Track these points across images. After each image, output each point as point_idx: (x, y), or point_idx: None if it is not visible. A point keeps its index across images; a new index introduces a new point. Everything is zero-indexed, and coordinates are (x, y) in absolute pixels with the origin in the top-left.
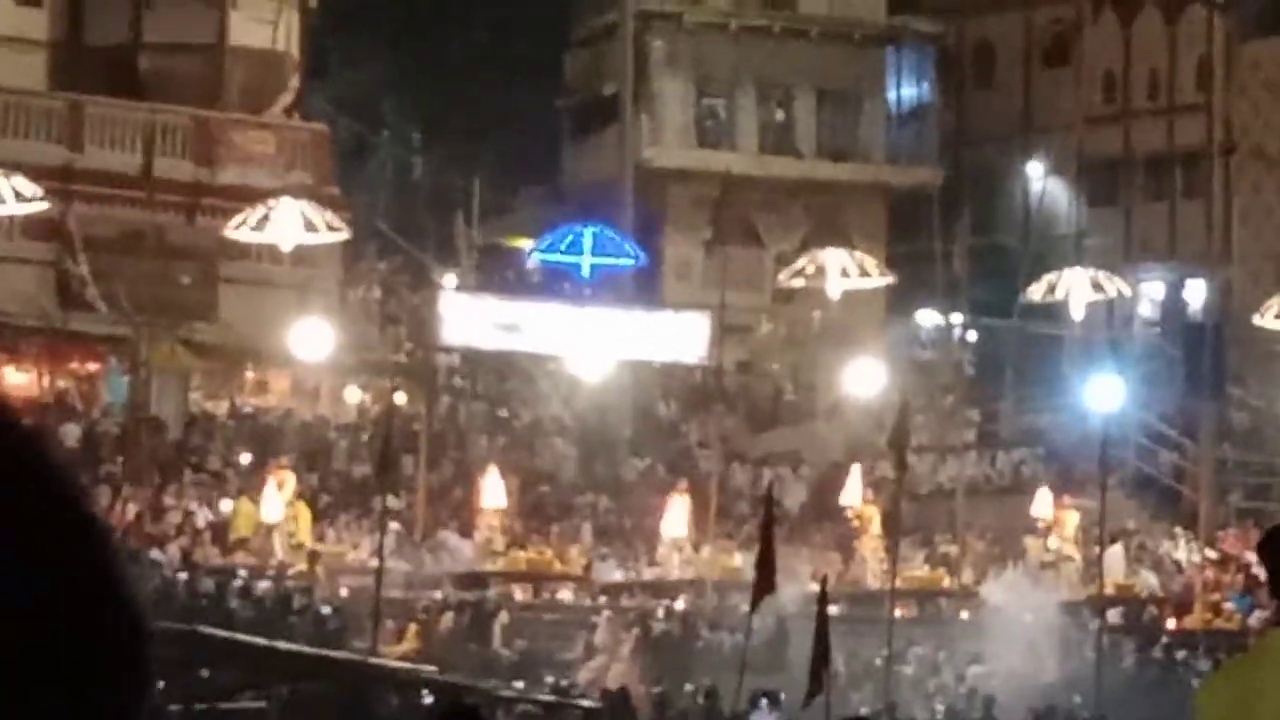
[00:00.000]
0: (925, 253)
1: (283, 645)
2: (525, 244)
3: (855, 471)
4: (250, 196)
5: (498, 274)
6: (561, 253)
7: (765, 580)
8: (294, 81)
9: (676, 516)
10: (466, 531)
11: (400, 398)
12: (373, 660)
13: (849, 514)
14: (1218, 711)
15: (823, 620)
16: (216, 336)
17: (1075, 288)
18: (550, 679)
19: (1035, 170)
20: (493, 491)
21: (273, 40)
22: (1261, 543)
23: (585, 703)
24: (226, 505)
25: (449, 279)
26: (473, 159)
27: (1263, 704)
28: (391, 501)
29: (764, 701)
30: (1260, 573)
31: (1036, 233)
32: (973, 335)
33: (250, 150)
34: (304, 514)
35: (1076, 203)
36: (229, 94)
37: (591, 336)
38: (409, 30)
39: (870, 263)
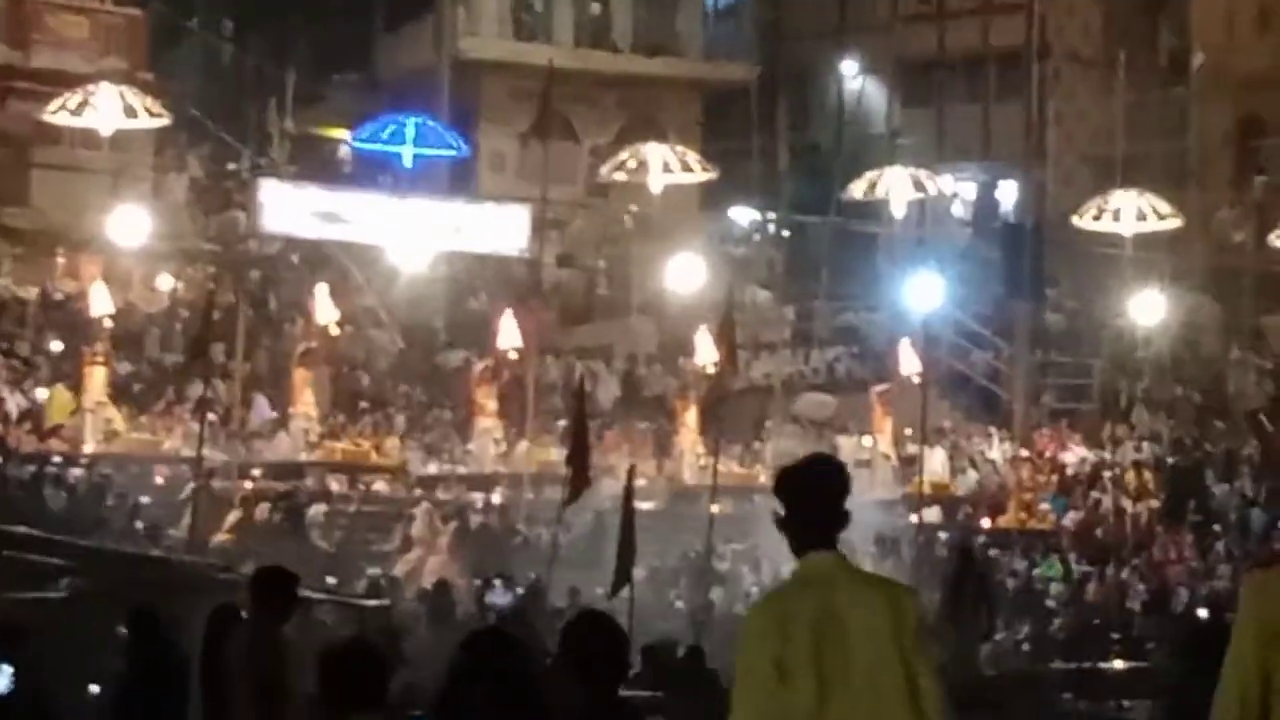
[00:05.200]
0: (739, 150)
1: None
2: (338, 134)
3: (702, 331)
4: (64, 81)
5: (309, 163)
6: (383, 142)
7: (579, 475)
8: None
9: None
10: (283, 422)
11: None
12: (176, 558)
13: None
14: (763, 633)
15: (628, 514)
16: (28, 221)
17: (896, 186)
18: (373, 572)
19: (850, 69)
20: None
21: None
22: (777, 481)
23: (370, 601)
24: (39, 392)
25: (257, 166)
26: (285, 47)
27: (797, 626)
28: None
29: (498, 582)
30: (1074, 472)
31: (850, 132)
32: (785, 233)
33: (64, 34)
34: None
35: (891, 102)
36: None
37: (413, 227)
38: None
39: (692, 158)
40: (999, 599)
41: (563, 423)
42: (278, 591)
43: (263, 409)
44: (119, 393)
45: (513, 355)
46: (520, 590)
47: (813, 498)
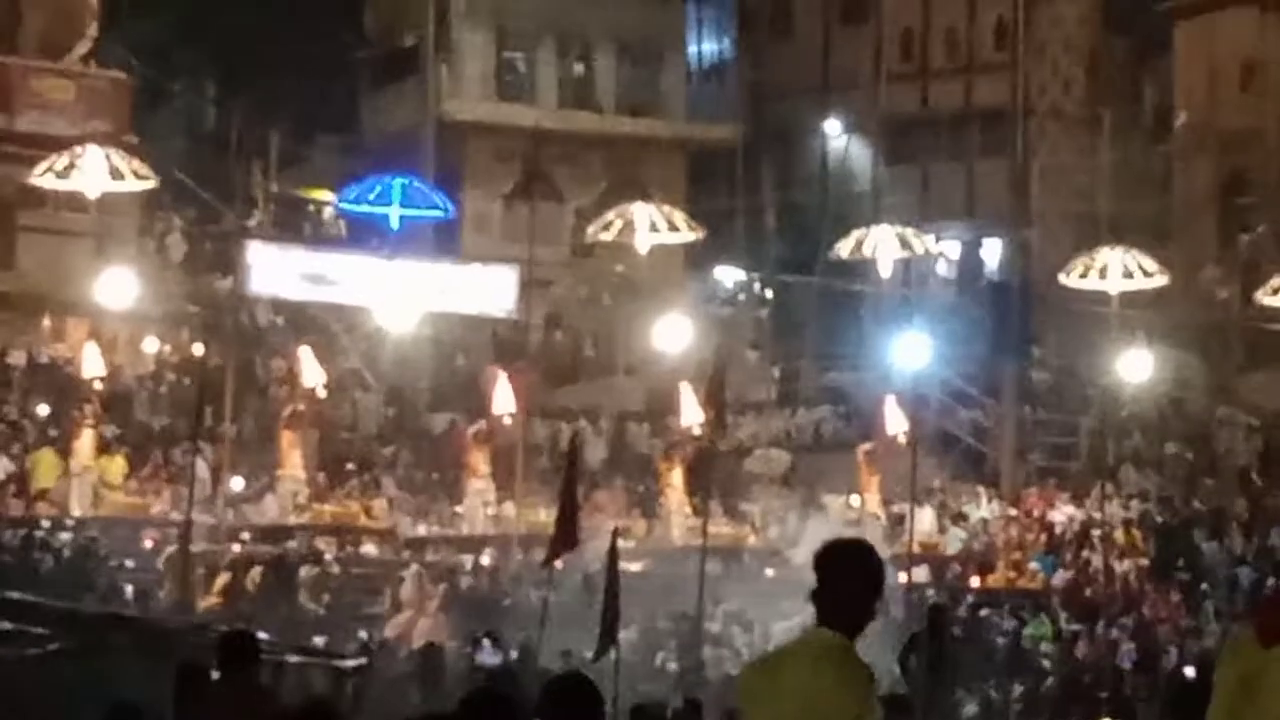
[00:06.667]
0: (724, 209)
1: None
2: (322, 195)
3: (687, 391)
4: (49, 144)
5: (294, 225)
6: (369, 203)
7: (568, 535)
8: (92, 29)
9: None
10: (270, 485)
11: (198, 349)
12: (153, 620)
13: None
14: (759, 696)
15: (613, 576)
16: (14, 285)
17: (883, 245)
18: (364, 634)
19: (833, 128)
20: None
21: None
22: (822, 557)
23: (348, 663)
24: (25, 455)
25: (243, 229)
26: (269, 109)
27: (751, 704)
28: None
29: (486, 641)
30: (1062, 531)
31: (834, 190)
32: (769, 292)
33: (49, 97)
34: (116, 464)
35: (875, 161)
36: (27, 40)
37: (400, 288)
38: None
39: (679, 217)
40: (980, 661)
41: (552, 482)
42: (247, 653)
43: (201, 473)
44: (108, 454)
45: (507, 419)
46: (510, 650)
47: (826, 577)
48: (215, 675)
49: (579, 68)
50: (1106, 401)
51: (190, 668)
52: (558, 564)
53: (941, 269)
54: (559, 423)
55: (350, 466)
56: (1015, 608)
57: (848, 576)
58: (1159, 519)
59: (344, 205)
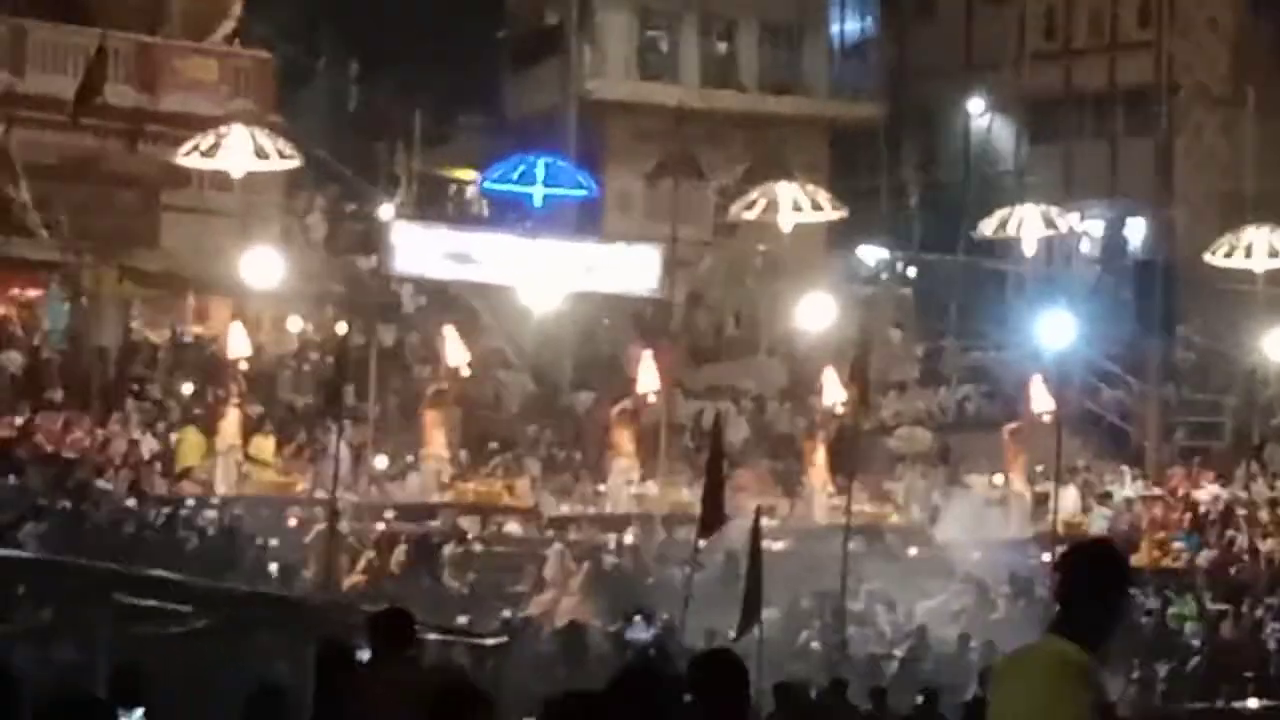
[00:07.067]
0: (866, 188)
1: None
2: (464, 174)
3: (830, 371)
4: (193, 124)
5: (437, 204)
6: (513, 183)
7: (715, 513)
8: (236, 8)
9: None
10: (414, 464)
11: (342, 327)
12: (296, 597)
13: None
14: (997, 692)
15: (756, 555)
16: (158, 264)
17: (1027, 223)
18: (507, 613)
19: (976, 107)
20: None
21: None
22: (1063, 558)
23: (490, 641)
24: (170, 434)
25: (386, 209)
26: (411, 89)
27: (1009, 695)
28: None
29: (638, 617)
30: (1206, 510)
31: (977, 169)
32: (912, 271)
33: (194, 77)
34: (267, 443)
35: (1018, 140)
36: (172, 20)
37: (544, 267)
38: None
39: (822, 196)
40: (1125, 640)
41: (695, 461)
42: (404, 634)
43: (344, 452)
44: (252, 434)
45: (652, 398)
46: (658, 629)
47: (1062, 580)
48: (367, 655)
49: (721, 46)
50: (1252, 380)
51: (331, 645)
52: (702, 543)
53: (1085, 248)
54: (702, 402)
55: (493, 445)
56: (1160, 587)
57: (1080, 582)
58: None
59: (489, 185)
